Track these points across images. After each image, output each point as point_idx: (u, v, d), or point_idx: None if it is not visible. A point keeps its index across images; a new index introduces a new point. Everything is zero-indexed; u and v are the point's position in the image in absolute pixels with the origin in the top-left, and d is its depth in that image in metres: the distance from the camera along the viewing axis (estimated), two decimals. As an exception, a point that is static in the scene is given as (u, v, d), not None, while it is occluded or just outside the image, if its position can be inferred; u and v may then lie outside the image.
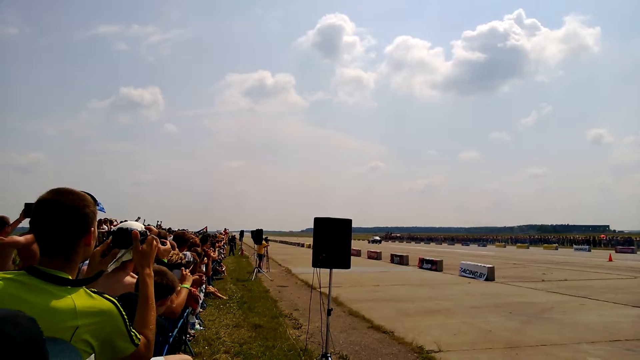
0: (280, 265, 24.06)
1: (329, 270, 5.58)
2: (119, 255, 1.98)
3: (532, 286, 15.32)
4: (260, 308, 10.10)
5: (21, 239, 5.68)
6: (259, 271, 17.87)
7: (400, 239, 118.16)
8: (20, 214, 5.91)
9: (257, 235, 19.53)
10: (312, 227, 5.60)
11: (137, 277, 2.78)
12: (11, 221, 5.90)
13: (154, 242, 1.99)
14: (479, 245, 75.29)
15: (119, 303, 1.56)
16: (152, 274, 1.94)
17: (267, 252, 19.92)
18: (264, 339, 7.21)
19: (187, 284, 3.08)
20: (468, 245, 78.57)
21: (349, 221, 5.49)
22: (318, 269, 5.40)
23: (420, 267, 22.88)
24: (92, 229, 1.59)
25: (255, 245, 20.15)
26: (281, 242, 77.37)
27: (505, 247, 69.38)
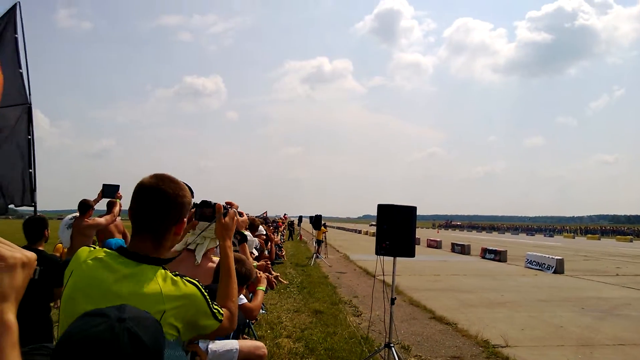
0: (338, 251, 24.17)
1: (388, 257, 5.47)
2: (199, 231, 2.03)
3: (606, 280, 14.38)
4: (320, 294, 10.17)
5: (102, 220, 6.02)
6: (317, 257, 18.03)
7: (461, 228, 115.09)
8: (98, 194, 6.29)
9: (316, 221, 19.68)
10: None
11: (217, 261, 2.86)
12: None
13: (236, 215, 2.05)
14: (545, 236, 71.88)
15: (199, 284, 1.58)
16: (232, 246, 1.99)
17: (325, 238, 20.05)
18: (325, 325, 7.26)
19: (262, 287, 3.13)
20: (533, 235, 75.11)
21: (414, 209, 5.33)
22: (381, 256, 5.30)
23: (483, 257, 22.15)
24: (185, 219, 1.64)
25: (314, 231, 20.33)
26: (338, 228, 77.69)
27: (574, 238, 65.70)
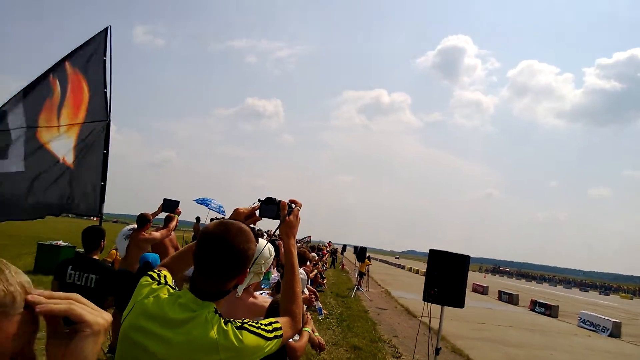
0: (379, 285, 23.71)
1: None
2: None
3: (669, 352, 13.25)
4: (359, 329, 9.99)
5: (157, 234, 6.23)
6: (358, 289, 17.78)
7: (509, 275, 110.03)
8: (158, 208, 6.57)
9: (361, 252, 19.52)
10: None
11: (258, 297, 2.86)
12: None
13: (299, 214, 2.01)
14: (599, 293, 67.45)
15: (248, 324, 1.55)
16: (295, 244, 1.97)
17: (368, 271, 19.76)
18: (363, 364, 7.10)
19: (309, 327, 3.06)
20: (587, 291, 70.59)
21: (467, 258, 5.20)
22: (429, 304, 5.16)
23: (532, 310, 21.04)
24: (248, 270, 1.62)
25: (358, 262, 20.12)
26: (381, 261, 76.37)
27: (632, 299, 61.14)
